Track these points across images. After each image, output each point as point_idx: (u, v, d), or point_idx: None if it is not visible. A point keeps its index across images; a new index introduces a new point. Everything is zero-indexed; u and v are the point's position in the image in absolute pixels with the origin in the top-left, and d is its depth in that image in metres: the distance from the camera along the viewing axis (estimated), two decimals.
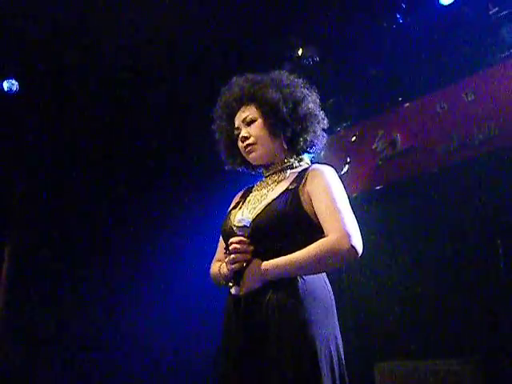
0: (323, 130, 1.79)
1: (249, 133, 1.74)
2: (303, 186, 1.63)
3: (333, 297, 1.63)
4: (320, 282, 1.60)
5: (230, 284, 1.60)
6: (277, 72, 1.79)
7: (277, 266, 1.53)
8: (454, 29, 3.59)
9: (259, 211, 1.63)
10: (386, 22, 3.74)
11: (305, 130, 1.74)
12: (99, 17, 3.55)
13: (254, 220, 1.60)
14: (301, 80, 1.79)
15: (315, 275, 1.58)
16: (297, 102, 1.73)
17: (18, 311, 4.39)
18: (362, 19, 3.70)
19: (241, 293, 1.56)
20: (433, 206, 3.70)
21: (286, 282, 1.54)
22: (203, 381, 3.92)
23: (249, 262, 1.56)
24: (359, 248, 1.52)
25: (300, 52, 3.94)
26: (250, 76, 1.81)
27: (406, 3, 3.64)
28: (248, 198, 1.76)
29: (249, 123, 1.74)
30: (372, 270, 3.83)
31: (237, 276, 1.57)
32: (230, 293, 1.62)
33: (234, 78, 1.83)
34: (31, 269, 4.45)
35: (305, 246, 1.54)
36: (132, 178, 4.69)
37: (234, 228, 1.60)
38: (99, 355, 4.37)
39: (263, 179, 1.80)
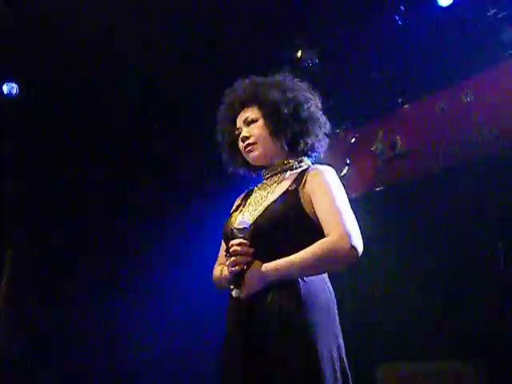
0: (325, 134, 1.79)
1: (249, 133, 1.74)
2: (303, 187, 1.63)
3: (334, 299, 1.62)
4: (321, 284, 1.59)
5: (232, 287, 1.60)
6: (281, 75, 1.80)
7: (277, 268, 1.53)
8: (452, 30, 3.59)
9: (259, 213, 1.63)
10: (384, 24, 3.75)
11: (305, 133, 1.74)
12: (100, 17, 3.55)
13: (254, 222, 1.60)
14: (305, 84, 1.79)
15: (316, 277, 1.58)
16: (299, 105, 1.73)
17: (19, 310, 4.40)
18: (361, 21, 3.70)
19: (242, 295, 1.56)
20: (433, 207, 3.70)
21: (287, 285, 1.53)
22: (206, 382, 3.92)
23: (249, 265, 1.56)
24: (360, 248, 1.52)
25: (299, 54, 3.94)
26: (253, 78, 1.82)
27: (405, 5, 3.65)
28: (249, 201, 1.76)
29: (250, 123, 1.75)
30: (373, 272, 3.83)
31: (238, 278, 1.57)
32: (232, 295, 1.61)
33: (238, 81, 1.84)
34: (32, 269, 4.45)
35: (306, 247, 1.53)
36: (134, 179, 4.69)
37: (235, 230, 1.59)
38: (99, 355, 4.37)
39: (263, 181, 1.80)
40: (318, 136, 1.76)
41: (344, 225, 1.52)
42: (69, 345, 4.36)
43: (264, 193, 1.72)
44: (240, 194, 1.89)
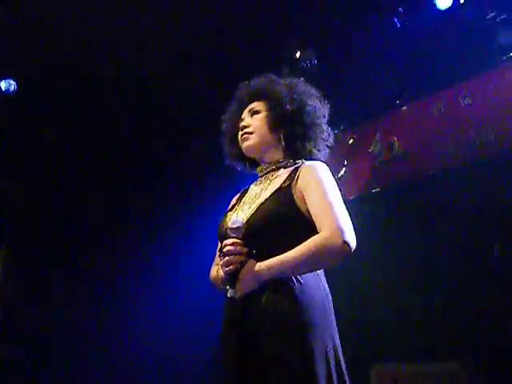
0: (326, 145, 1.79)
1: (249, 122, 1.76)
2: (296, 183, 1.62)
3: (330, 298, 1.61)
4: (316, 283, 1.58)
5: (226, 287, 1.58)
6: (296, 79, 1.82)
7: (271, 267, 1.52)
8: (450, 33, 3.60)
9: (252, 212, 1.62)
10: (383, 25, 3.76)
11: (304, 137, 1.74)
12: (97, 16, 3.55)
13: (247, 221, 1.59)
14: (318, 93, 1.80)
15: (311, 275, 1.57)
16: (303, 108, 1.74)
17: (16, 313, 4.39)
18: (360, 23, 3.71)
19: (236, 295, 1.54)
20: (429, 209, 3.71)
21: (282, 284, 1.52)
22: (202, 382, 3.92)
23: (243, 264, 1.54)
24: (352, 243, 1.50)
25: (298, 55, 3.95)
26: (269, 76, 1.84)
27: (404, 7, 3.65)
28: (243, 199, 1.75)
29: (253, 114, 1.77)
30: (369, 273, 3.83)
31: (232, 278, 1.55)
32: (227, 295, 1.60)
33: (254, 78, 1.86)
34: (28, 271, 4.44)
35: (300, 244, 1.52)
36: (133, 178, 4.69)
37: (228, 230, 1.58)
38: (99, 356, 4.37)
39: (257, 180, 1.79)
40: (316, 143, 1.76)
41: (336, 220, 1.51)
42: (68, 345, 4.36)
43: (258, 191, 1.72)
44: (237, 193, 1.89)
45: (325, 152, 1.80)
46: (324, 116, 1.78)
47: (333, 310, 1.60)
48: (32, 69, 3.93)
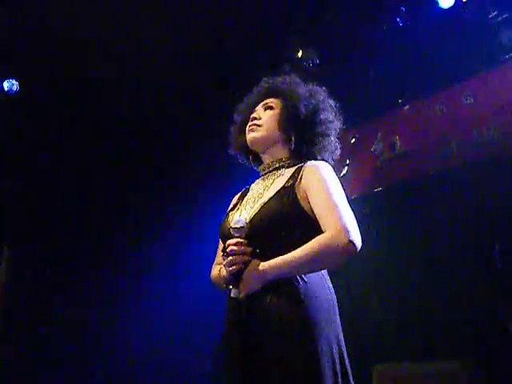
0: (332, 158, 1.79)
1: (260, 115, 1.76)
2: (299, 183, 1.61)
3: (334, 297, 1.60)
4: (321, 282, 1.57)
5: (230, 287, 1.56)
6: (319, 88, 1.81)
7: (275, 266, 1.50)
8: (453, 32, 3.60)
9: (256, 211, 1.60)
10: (385, 25, 3.75)
11: (312, 143, 1.73)
12: (99, 16, 3.55)
13: (250, 220, 1.57)
14: (335, 107, 1.80)
15: (316, 275, 1.56)
16: (317, 115, 1.74)
17: (18, 315, 4.40)
18: (362, 22, 3.71)
19: (240, 295, 1.53)
20: (431, 208, 3.70)
21: (286, 284, 1.51)
22: (204, 383, 3.93)
23: (247, 264, 1.52)
24: (358, 243, 1.49)
25: (300, 54, 3.94)
26: (292, 76, 1.84)
27: (406, 6, 3.65)
28: (245, 199, 1.74)
29: (266, 109, 1.78)
30: (370, 272, 3.83)
31: (236, 278, 1.53)
32: (230, 295, 1.58)
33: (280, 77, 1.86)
34: (30, 274, 4.45)
35: (303, 244, 1.51)
36: (133, 179, 4.70)
37: (231, 230, 1.57)
38: (99, 356, 4.38)
39: (259, 179, 1.78)
40: (322, 153, 1.75)
41: (341, 220, 1.50)
42: (69, 345, 4.37)
43: (260, 190, 1.70)
44: (238, 192, 1.88)
45: (328, 161, 1.78)
46: (335, 129, 1.78)
47: (337, 309, 1.59)
48: (34, 69, 3.94)
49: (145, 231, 4.74)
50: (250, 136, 1.75)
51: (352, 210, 1.58)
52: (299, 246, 1.51)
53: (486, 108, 3.54)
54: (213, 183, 4.38)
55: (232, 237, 1.56)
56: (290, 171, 1.69)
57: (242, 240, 1.54)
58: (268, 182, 1.71)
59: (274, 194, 1.62)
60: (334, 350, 1.50)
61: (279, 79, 1.84)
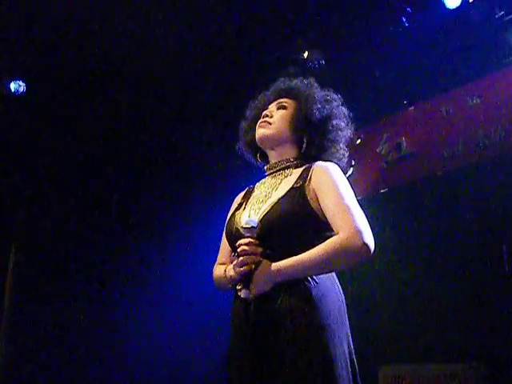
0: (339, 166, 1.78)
1: (273, 113, 1.76)
2: (309, 184, 1.60)
3: (343, 297, 1.60)
4: (331, 283, 1.57)
5: (239, 287, 1.55)
6: (335, 94, 1.81)
7: (287, 267, 1.49)
8: (459, 32, 3.58)
9: (266, 211, 1.58)
10: (391, 25, 3.75)
11: (321, 147, 1.73)
12: (108, 18, 3.56)
13: (261, 220, 1.56)
14: (348, 116, 1.80)
15: (326, 276, 1.55)
16: (330, 121, 1.73)
17: (23, 317, 4.42)
18: (368, 23, 3.70)
19: (251, 296, 1.51)
20: (437, 209, 3.69)
21: (298, 284, 1.50)
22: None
23: (258, 264, 1.51)
24: (371, 245, 1.48)
25: (306, 55, 3.94)
26: (309, 80, 1.83)
27: (412, 7, 3.64)
28: (251, 198, 1.72)
29: (279, 108, 1.77)
30: (376, 273, 3.82)
31: (246, 279, 1.52)
32: (237, 296, 1.57)
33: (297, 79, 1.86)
34: (35, 279, 4.47)
35: (314, 245, 1.50)
36: (136, 180, 4.71)
37: (241, 230, 1.55)
38: (100, 355, 4.39)
39: (264, 179, 1.77)
40: (329, 157, 1.74)
41: (355, 222, 1.49)
42: (70, 345, 4.39)
43: (267, 190, 1.68)
44: (241, 191, 1.86)
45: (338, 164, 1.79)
46: (345, 137, 1.78)
47: (346, 309, 1.59)
48: (41, 70, 3.95)
49: (147, 232, 4.74)
50: (259, 132, 1.74)
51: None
52: (309, 247, 1.50)
53: (493, 109, 3.53)
54: (216, 183, 4.38)
55: (243, 237, 1.54)
56: (297, 171, 1.68)
57: (253, 240, 1.53)
58: (276, 181, 1.70)
59: (284, 194, 1.60)
60: (346, 351, 1.50)
61: (295, 81, 1.83)
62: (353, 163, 4.15)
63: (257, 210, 1.63)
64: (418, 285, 3.64)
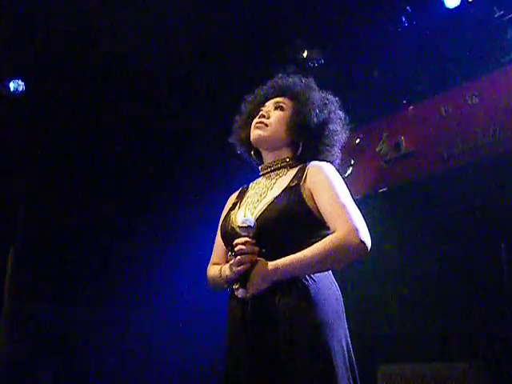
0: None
1: (270, 114, 1.74)
2: (304, 183, 1.60)
3: (341, 296, 1.60)
4: (328, 281, 1.57)
5: (236, 286, 1.54)
6: (331, 95, 1.80)
7: (284, 266, 1.49)
8: (458, 32, 3.59)
9: (262, 210, 1.59)
10: (391, 24, 3.75)
11: (317, 151, 1.73)
12: (108, 18, 3.56)
13: (257, 219, 1.55)
14: (344, 118, 1.79)
15: (323, 274, 1.55)
16: (326, 125, 1.73)
17: (24, 310, 4.42)
18: (367, 22, 3.70)
19: (248, 295, 1.50)
20: (436, 208, 3.70)
21: (295, 283, 1.50)
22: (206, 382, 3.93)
23: (254, 263, 1.51)
24: (368, 243, 1.48)
25: (305, 54, 3.94)
26: (310, 80, 1.82)
27: (412, 6, 3.64)
28: (246, 198, 1.72)
29: (277, 108, 1.75)
30: (375, 272, 3.83)
31: (243, 278, 1.51)
32: (233, 296, 1.57)
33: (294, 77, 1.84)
34: (35, 279, 4.47)
35: (310, 244, 1.50)
36: (135, 179, 4.71)
37: (238, 229, 1.54)
38: (100, 355, 4.39)
39: (259, 179, 1.77)
40: (324, 159, 1.74)
41: (351, 220, 1.49)
42: (70, 345, 4.39)
43: (263, 189, 1.68)
44: (235, 191, 1.85)
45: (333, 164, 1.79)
46: (340, 141, 1.78)
47: (344, 306, 1.59)
48: (40, 69, 3.95)
49: (146, 231, 4.75)
50: (255, 133, 1.73)
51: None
52: (306, 246, 1.50)
53: (492, 108, 3.53)
54: (211, 184, 4.38)
55: (239, 236, 1.54)
56: (292, 171, 1.68)
57: (250, 239, 1.52)
58: (270, 181, 1.70)
59: (280, 194, 1.61)
60: (345, 348, 1.50)
61: (294, 79, 1.81)
62: (352, 162, 4.16)
63: (252, 210, 1.63)
64: (418, 284, 3.65)
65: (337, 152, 1.78)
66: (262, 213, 1.58)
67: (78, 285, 4.52)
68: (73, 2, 3.45)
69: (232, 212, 1.71)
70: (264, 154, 1.77)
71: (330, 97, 1.79)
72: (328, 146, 1.74)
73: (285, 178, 1.67)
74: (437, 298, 3.54)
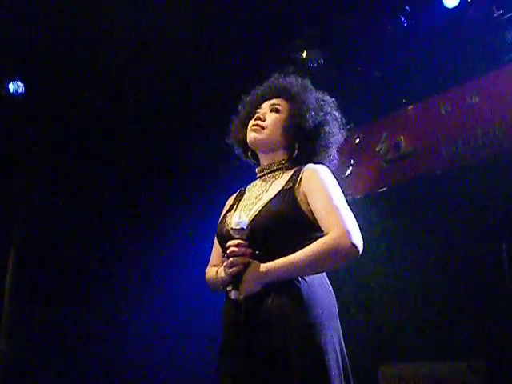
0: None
1: (266, 116, 1.75)
2: (298, 186, 1.61)
3: (334, 296, 1.61)
4: (321, 282, 1.58)
5: (229, 288, 1.56)
6: (327, 96, 1.80)
7: (277, 268, 1.50)
8: (458, 31, 3.59)
9: (256, 213, 1.61)
10: (390, 24, 3.75)
11: (314, 153, 1.74)
12: (108, 19, 3.57)
13: (251, 222, 1.57)
14: (342, 119, 1.79)
15: (316, 275, 1.56)
16: (323, 126, 1.73)
17: (24, 310, 4.43)
18: (367, 22, 3.70)
19: (241, 297, 1.52)
20: (437, 208, 3.69)
21: (288, 285, 1.51)
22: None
23: (248, 265, 1.53)
24: (360, 245, 1.49)
25: (304, 54, 3.94)
26: (307, 82, 1.83)
27: (411, 6, 3.64)
28: (242, 200, 1.74)
29: (273, 110, 1.76)
30: (376, 272, 3.83)
31: (236, 280, 1.53)
32: (228, 298, 1.58)
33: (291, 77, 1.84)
34: (35, 280, 4.47)
35: (304, 246, 1.51)
36: (133, 180, 4.71)
37: (232, 231, 1.57)
38: (100, 355, 4.39)
39: (255, 181, 1.79)
40: (320, 161, 1.75)
41: (343, 222, 1.50)
42: (70, 344, 4.39)
43: (258, 192, 1.70)
44: (233, 193, 1.87)
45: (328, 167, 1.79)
46: (337, 143, 1.78)
47: (337, 307, 1.60)
48: (40, 71, 3.95)
49: (146, 231, 4.75)
50: (251, 136, 1.74)
51: (355, 211, 1.58)
52: (299, 248, 1.51)
53: (491, 107, 3.53)
54: (210, 184, 4.38)
55: (232, 238, 1.56)
56: (288, 173, 1.69)
57: (242, 241, 1.54)
58: (266, 183, 1.71)
59: (274, 196, 1.62)
60: (338, 349, 1.52)
61: (290, 80, 1.82)
62: (352, 162, 4.16)
63: (247, 212, 1.64)
64: (418, 284, 3.65)
65: (333, 153, 1.78)
66: (255, 215, 1.60)
67: (78, 285, 4.52)
68: (73, 3, 3.45)
69: (228, 214, 1.73)
70: (260, 156, 1.79)
71: (327, 98, 1.79)
72: (324, 147, 1.75)
73: (280, 181, 1.68)
74: (437, 297, 3.54)
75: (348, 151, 4.18)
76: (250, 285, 1.51)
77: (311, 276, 1.55)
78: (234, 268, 1.53)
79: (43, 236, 4.54)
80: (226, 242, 1.58)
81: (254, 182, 1.79)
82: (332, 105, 1.79)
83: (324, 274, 1.62)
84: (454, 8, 3.52)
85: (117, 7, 3.50)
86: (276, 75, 1.85)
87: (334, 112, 1.78)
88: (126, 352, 4.47)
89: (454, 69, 3.66)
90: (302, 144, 1.72)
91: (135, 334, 4.54)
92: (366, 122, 4.24)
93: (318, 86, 1.84)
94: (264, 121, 1.74)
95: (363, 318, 3.78)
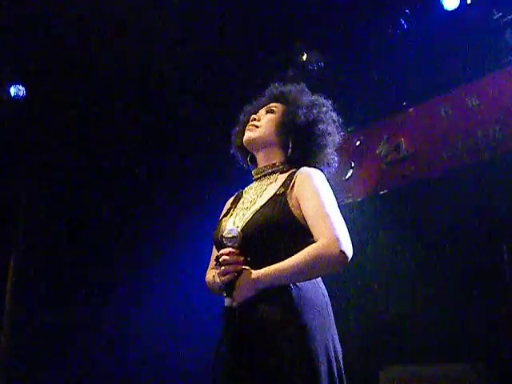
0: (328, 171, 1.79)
1: (260, 117, 1.79)
2: (291, 191, 1.62)
3: (328, 300, 1.61)
4: (314, 287, 1.58)
5: (224, 294, 1.57)
6: (324, 99, 1.81)
7: (268, 275, 1.51)
8: (458, 34, 3.60)
9: (247, 220, 1.61)
10: (390, 27, 3.76)
11: (309, 152, 1.74)
12: (108, 21, 3.58)
13: (242, 229, 1.58)
14: (339, 120, 1.80)
15: (309, 281, 1.57)
16: (316, 125, 1.74)
17: (25, 310, 4.44)
18: (367, 25, 3.71)
19: (234, 304, 1.53)
20: (437, 210, 3.69)
21: (280, 291, 1.52)
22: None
23: (240, 273, 1.54)
24: (349, 253, 1.50)
25: (305, 57, 3.95)
26: (300, 85, 1.85)
27: (411, 9, 3.65)
28: (239, 204, 1.75)
29: (268, 111, 1.80)
30: (377, 274, 3.82)
31: (229, 287, 1.54)
32: (224, 304, 1.59)
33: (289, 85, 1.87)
34: (35, 281, 4.47)
35: (296, 251, 1.52)
36: (134, 183, 4.72)
37: (223, 239, 1.57)
38: (100, 355, 4.40)
39: (252, 183, 1.79)
40: (317, 162, 1.75)
41: (333, 229, 1.51)
42: (70, 344, 4.39)
43: (253, 196, 1.71)
44: (231, 196, 1.88)
45: (323, 172, 1.78)
46: (333, 142, 1.78)
47: (332, 311, 1.60)
48: (41, 74, 3.96)
49: (143, 234, 4.75)
50: (246, 135, 1.77)
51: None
52: (291, 254, 1.52)
53: (492, 109, 3.54)
54: (211, 185, 4.39)
55: (224, 246, 1.57)
56: (282, 177, 1.70)
57: (234, 250, 1.55)
58: (261, 187, 1.72)
59: (266, 202, 1.63)
60: (331, 355, 1.51)
61: (288, 86, 1.85)
62: (352, 165, 4.16)
63: (241, 218, 1.65)
64: (419, 285, 3.64)
65: (330, 154, 1.78)
66: (247, 222, 1.61)
67: (78, 285, 4.52)
68: (74, 6, 3.46)
69: (224, 219, 1.74)
70: (257, 157, 1.80)
71: (321, 99, 1.81)
72: (319, 146, 1.75)
73: (274, 185, 1.69)
74: (438, 299, 3.54)
75: (348, 153, 4.19)
76: (242, 292, 1.53)
77: (304, 281, 1.56)
78: (227, 276, 1.54)
79: (44, 237, 4.55)
80: (220, 249, 1.59)
81: (251, 185, 1.80)
82: (328, 105, 1.80)
83: (319, 278, 1.62)
84: (454, 10, 3.53)
85: (118, 12, 3.51)
86: (275, 84, 1.89)
87: (330, 112, 1.79)
88: (126, 352, 4.47)
89: (454, 71, 3.66)
90: (295, 141, 1.73)
91: (135, 335, 4.54)
92: (367, 125, 4.25)
93: (319, 88, 1.85)
94: (258, 120, 1.78)
95: (364, 321, 3.77)
